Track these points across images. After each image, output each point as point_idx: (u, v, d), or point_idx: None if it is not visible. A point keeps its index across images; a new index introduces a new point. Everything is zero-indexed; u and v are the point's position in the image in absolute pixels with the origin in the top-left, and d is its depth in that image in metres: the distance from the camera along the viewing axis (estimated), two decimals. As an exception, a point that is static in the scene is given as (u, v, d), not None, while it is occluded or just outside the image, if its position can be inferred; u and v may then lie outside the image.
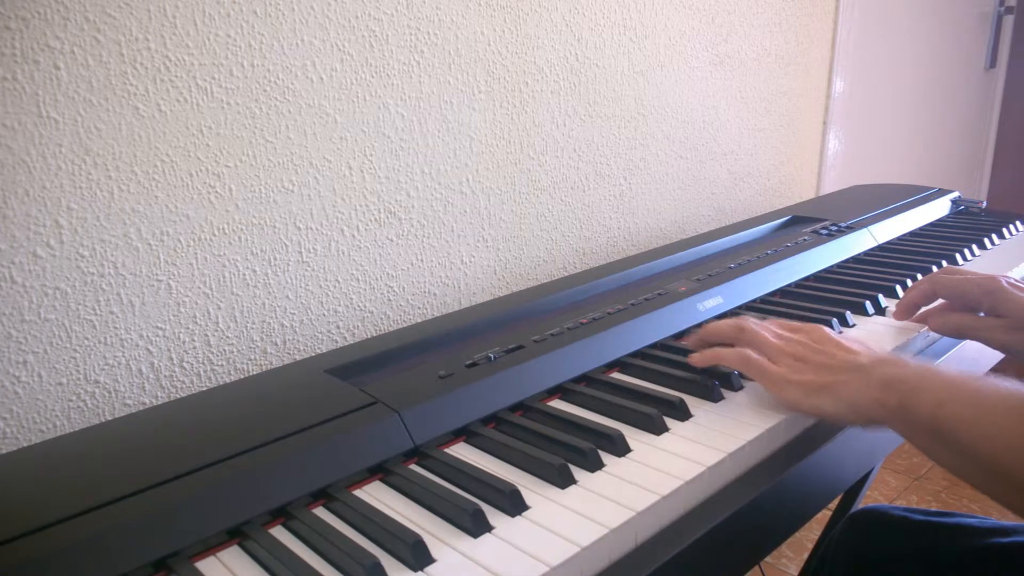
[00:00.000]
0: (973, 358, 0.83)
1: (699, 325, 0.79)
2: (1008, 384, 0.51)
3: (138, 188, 0.72)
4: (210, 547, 0.47)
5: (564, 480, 0.52)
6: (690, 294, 0.81)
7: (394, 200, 0.91)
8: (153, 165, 0.72)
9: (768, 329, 0.66)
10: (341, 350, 0.72)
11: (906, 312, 0.79)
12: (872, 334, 0.77)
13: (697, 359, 0.67)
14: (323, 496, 0.52)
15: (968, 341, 0.79)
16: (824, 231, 1.06)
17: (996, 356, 0.88)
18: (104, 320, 0.72)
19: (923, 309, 0.78)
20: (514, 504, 0.49)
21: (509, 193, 1.04)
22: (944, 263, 0.99)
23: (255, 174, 0.79)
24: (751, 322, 0.67)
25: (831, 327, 0.78)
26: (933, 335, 0.79)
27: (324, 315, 0.88)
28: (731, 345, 0.67)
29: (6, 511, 0.47)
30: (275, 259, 0.82)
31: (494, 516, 0.49)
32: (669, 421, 0.59)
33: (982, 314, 0.75)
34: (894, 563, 0.74)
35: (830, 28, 1.58)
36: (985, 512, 1.75)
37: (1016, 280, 0.73)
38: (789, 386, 0.60)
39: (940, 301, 0.78)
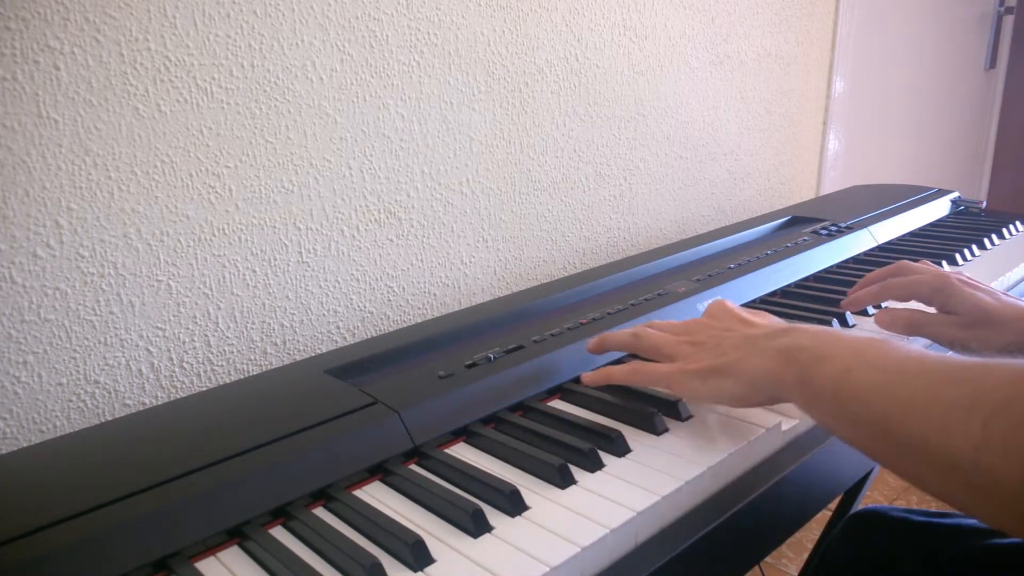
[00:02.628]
0: None
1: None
2: (918, 348, 0.47)
3: (138, 188, 0.72)
4: (210, 547, 0.47)
5: (564, 480, 0.52)
6: (690, 294, 0.81)
7: (394, 200, 0.91)
8: (153, 165, 0.72)
9: (666, 326, 0.63)
10: (341, 350, 0.72)
11: (852, 308, 0.80)
12: (875, 334, 0.77)
13: (588, 378, 0.64)
14: (323, 496, 0.52)
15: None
16: (824, 231, 1.06)
17: None
18: (104, 320, 0.72)
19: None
20: (514, 504, 0.49)
21: (509, 193, 1.04)
22: (944, 263, 0.99)
23: (255, 174, 0.79)
24: (647, 328, 0.64)
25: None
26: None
27: (324, 315, 0.88)
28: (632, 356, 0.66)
29: (6, 511, 0.47)
30: (275, 259, 0.82)
31: (494, 516, 0.49)
32: (669, 421, 0.59)
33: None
34: (894, 564, 0.74)
35: (830, 28, 1.58)
36: (985, 512, 1.75)
37: (967, 277, 0.74)
38: (684, 378, 0.56)
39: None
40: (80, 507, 0.46)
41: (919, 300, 0.76)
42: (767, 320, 0.60)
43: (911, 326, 0.74)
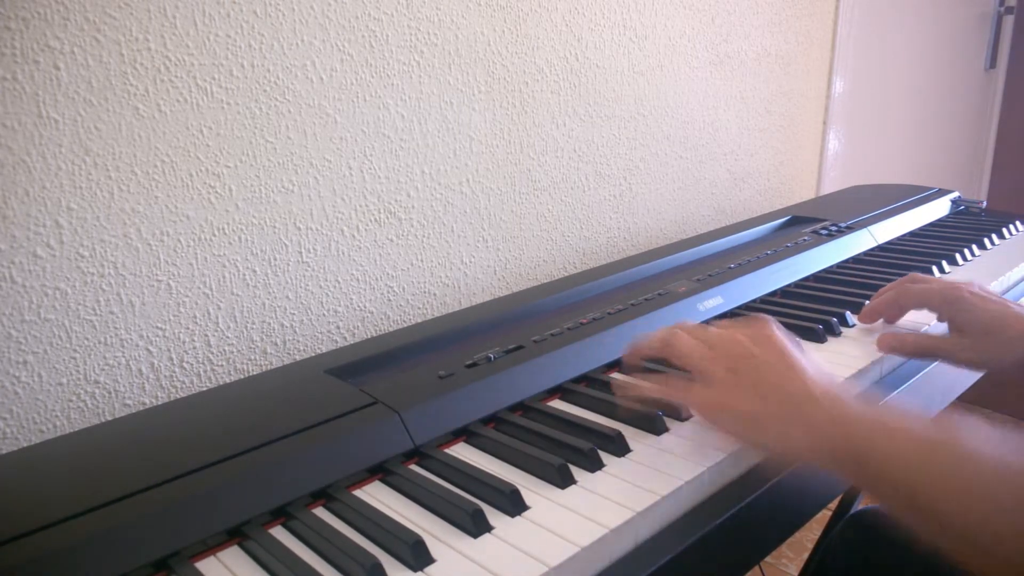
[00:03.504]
0: (950, 375, 0.82)
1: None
2: (988, 451, 0.44)
3: (138, 188, 0.72)
4: (210, 547, 0.47)
5: (564, 480, 0.52)
6: (690, 294, 0.81)
7: (394, 200, 0.91)
8: (153, 165, 0.72)
9: (699, 334, 0.58)
10: (341, 350, 0.72)
11: (869, 318, 0.79)
12: (873, 335, 0.77)
13: (619, 393, 0.60)
14: (323, 496, 0.52)
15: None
16: (824, 231, 1.06)
17: (975, 373, 0.86)
18: (104, 320, 0.72)
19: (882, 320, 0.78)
20: (514, 504, 0.49)
21: (509, 193, 1.04)
22: (944, 263, 0.99)
23: (255, 174, 0.79)
24: (680, 332, 0.59)
25: (831, 327, 0.78)
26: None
27: (324, 315, 0.88)
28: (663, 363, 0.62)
29: (6, 511, 0.47)
30: (275, 259, 0.82)
31: (494, 516, 0.49)
32: (669, 421, 0.59)
33: (945, 326, 0.74)
34: (894, 563, 0.74)
35: (830, 28, 1.58)
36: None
37: (980, 289, 0.72)
38: (716, 413, 0.53)
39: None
40: (80, 507, 0.46)
41: (930, 309, 0.75)
42: (810, 364, 0.54)
43: (919, 350, 0.73)
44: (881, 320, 0.79)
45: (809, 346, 0.74)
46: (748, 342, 0.55)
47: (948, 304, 0.71)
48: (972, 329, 0.69)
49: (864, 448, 0.47)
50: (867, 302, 0.80)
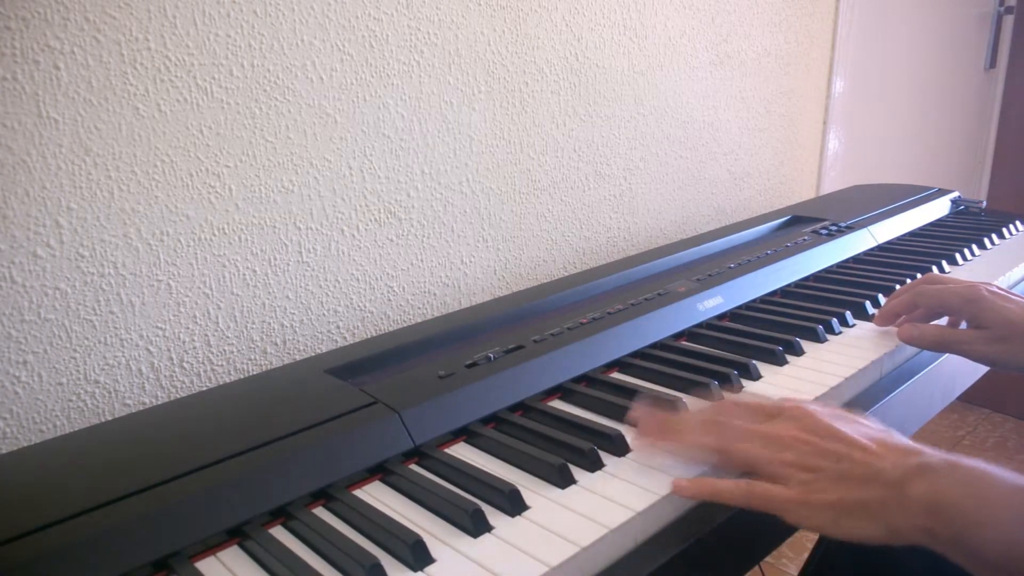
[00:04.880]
0: (950, 375, 0.82)
1: (699, 325, 0.79)
2: None
3: (138, 188, 0.72)
4: (210, 547, 0.47)
5: (564, 480, 0.52)
6: (690, 294, 0.81)
7: (394, 200, 0.91)
8: (153, 165, 0.72)
9: (748, 435, 0.53)
10: (341, 350, 0.72)
11: (886, 320, 0.78)
12: (874, 334, 0.77)
13: (686, 491, 0.51)
14: (323, 496, 0.52)
15: (947, 356, 0.78)
16: (824, 231, 1.06)
17: (975, 372, 0.86)
18: (104, 320, 0.72)
19: (903, 318, 0.78)
20: (514, 504, 0.49)
21: (509, 193, 1.04)
22: (944, 263, 0.99)
23: (255, 174, 0.79)
24: (735, 443, 0.53)
25: (831, 327, 0.78)
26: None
27: (324, 315, 0.88)
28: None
29: (6, 511, 0.47)
30: (275, 259, 0.82)
31: (494, 516, 0.49)
32: (669, 421, 0.59)
33: (964, 325, 0.74)
34: (894, 562, 0.74)
35: (830, 28, 1.58)
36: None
37: (998, 288, 0.71)
38: (809, 512, 0.49)
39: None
40: (80, 507, 0.46)
41: (948, 312, 0.74)
42: (874, 433, 0.52)
43: (940, 343, 0.72)
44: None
45: (809, 346, 0.74)
46: (804, 435, 0.52)
47: (968, 304, 0.71)
48: (993, 328, 0.69)
49: (958, 517, 0.45)
50: (882, 304, 0.79)
